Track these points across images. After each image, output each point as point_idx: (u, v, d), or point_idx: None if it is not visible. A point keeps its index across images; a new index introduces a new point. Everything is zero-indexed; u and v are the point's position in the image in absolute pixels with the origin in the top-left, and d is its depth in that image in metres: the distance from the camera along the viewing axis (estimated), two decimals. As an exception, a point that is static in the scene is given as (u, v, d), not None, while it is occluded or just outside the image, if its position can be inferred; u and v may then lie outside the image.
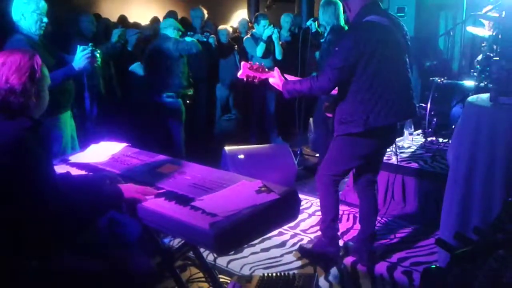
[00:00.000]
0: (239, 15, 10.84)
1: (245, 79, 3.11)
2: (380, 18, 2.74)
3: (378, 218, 3.80)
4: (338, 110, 2.83)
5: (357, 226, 3.74)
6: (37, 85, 1.85)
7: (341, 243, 3.28)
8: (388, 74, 2.71)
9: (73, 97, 3.45)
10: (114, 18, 7.68)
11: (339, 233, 3.23)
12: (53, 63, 3.10)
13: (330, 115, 3.06)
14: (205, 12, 5.96)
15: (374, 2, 2.82)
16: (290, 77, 3.08)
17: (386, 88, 2.70)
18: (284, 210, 1.95)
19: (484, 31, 4.70)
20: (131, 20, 7.92)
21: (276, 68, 3.06)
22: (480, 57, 4.84)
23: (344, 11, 3.39)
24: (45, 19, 3.21)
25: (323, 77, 2.72)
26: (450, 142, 4.22)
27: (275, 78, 2.99)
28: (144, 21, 7.78)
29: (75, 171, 2.33)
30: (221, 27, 6.92)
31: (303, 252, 3.29)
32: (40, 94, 1.87)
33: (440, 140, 4.58)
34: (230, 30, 7.40)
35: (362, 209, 3.16)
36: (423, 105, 4.70)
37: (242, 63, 3.17)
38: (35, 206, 1.69)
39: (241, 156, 4.34)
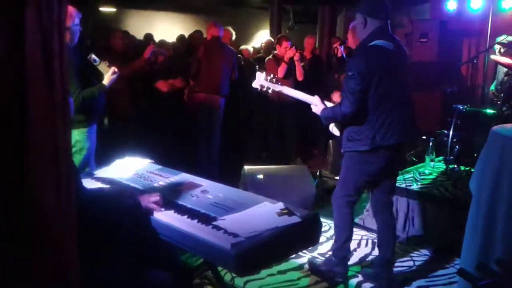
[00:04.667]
0: (262, 36, 10.98)
1: (259, 88, 3.22)
2: (386, 43, 2.86)
3: (398, 244, 3.77)
4: (348, 128, 2.96)
5: (376, 251, 3.70)
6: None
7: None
8: (394, 96, 2.84)
9: (100, 113, 3.53)
10: (139, 35, 7.83)
11: (350, 256, 3.26)
12: (84, 71, 3.28)
13: (337, 133, 3.12)
14: (233, 32, 6.08)
15: (383, 28, 2.92)
16: (330, 104, 3.13)
17: (392, 110, 2.83)
18: (305, 233, 1.95)
19: (505, 59, 4.68)
20: (156, 38, 8.06)
21: (316, 96, 3.13)
22: (494, 88, 4.82)
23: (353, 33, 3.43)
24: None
25: (345, 102, 2.84)
26: (472, 170, 4.17)
27: (317, 106, 3.09)
28: (170, 38, 7.92)
29: (100, 186, 2.37)
30: (242, 47, 7.02)
31: (311, 266, 3.34)
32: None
33: (462, 167, 4.53)
34: (251, 50, 7.50)
35: (380, 232, 3.17)
36: (445, 131, 4.66)
37: (257, 73, 3.26)
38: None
39: (260, 176, 4.34)
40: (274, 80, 3.21)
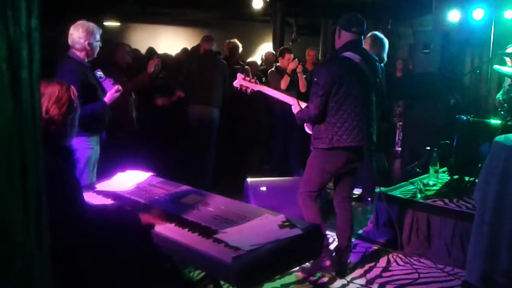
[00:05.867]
0: (265, 49, 11.02)
1: (238, 88, 3.65)
2: (353, 55, 3.15)
3: (402, 257, 3.79)
4: (314, 127, 3.29)
5: (381, 263, 3.67)
6: (73, 115, 1.91)
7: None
8: (352, 104, 3.10)
9: (104, 124, 3.55)
10: (143, 49, 7.87)
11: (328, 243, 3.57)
12: (97, 87, 3.40)
13: (310, 132, 3.42)
14: (240, 45, 6.21)
15: (355, 41, 3.20)
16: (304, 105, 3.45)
17: (350, 116, 3.10)
18: (307, 246, 1.93)
19: (510, 70, 4.67)
20: (160, 51, 8.10)
21: (293, 98, 3.55)
22: (500, 97, 4.80)
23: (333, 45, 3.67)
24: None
25: (311, 105, 3.18)
26: (476, 180, 4.14)
27: (293, 107, 3.46)
28: (174, 52, 7.96)
29: (101, 199, 2.37)
30: (249, 60, 7.06)
31: (302, 271, 3.43)
32: (73, 123, 1.93)
33: (466, 178, 4.49)
34: (259, 63, 7.55)
35: (338, 223, 3.43)
36: (449, 142, 4.64)
37: (238, 74, 3.69)
38: (69, 237, 1.71)
39: (263, 189, 4.33)
40: (252, 80, 3.62)
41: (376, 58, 3.51)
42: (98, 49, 3.49)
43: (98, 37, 3.43)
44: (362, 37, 3.25)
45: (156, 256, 2.34)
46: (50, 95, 1.86)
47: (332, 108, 3.11)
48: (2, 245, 0.75)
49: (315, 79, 3.20)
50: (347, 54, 3.16)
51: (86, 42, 3.35)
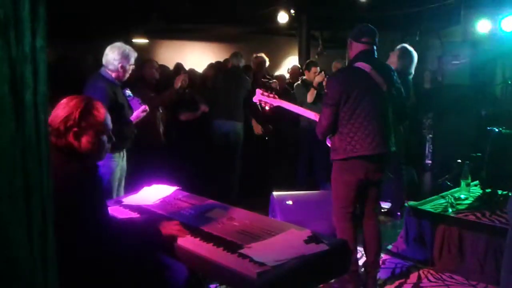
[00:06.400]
0: (291, 62, 11.04)
1: (258, 103, 3.65)
2: (364, 65, 3.12)
3: (433, 273, 3.69)
4: (331, 139, 3.28)
5: (411, 280, 3.58)
6: (101, 133, 1.93)
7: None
8: (363, 113, 3.06)
9: (130, 141, 3.59)
10: (170, 65, 7.99)
11: (361, 269, 3.38)
12: (124, 105, 3.47)
13: (330, 145, 3.36)
14: (267, 59, 6.29)
15: (366, 51, 3.18)
16: None
17: (362, 125, 3.06)
18: (334, 262, 1.90)
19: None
20: (186, 67, 8.21)
21: (315, 113, 3.49)
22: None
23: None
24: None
25: (321, 116, 3.19)
26: (510, 194, 4.00)
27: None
28: (201, 67, 8.05)
29: (127, 213, 2.39)
30: (277, 74, 7.10)
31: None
32: (102, 140, 1.95)
33: (499, 191, 4.35)
34: (287, 77, 7.58)
35: (365, 238, 3.36)
36: (480, 154, 4.52)
37: (257, 89, 3.64)
38: (89, 248, 1.73)
39: (289, 202, 4.29)
40: (271, 95, 3.59)
41: (391, 67, 3.48)
42: (130, 72, 3.54)
43: (132, 61, 3.49)
44: (375, 47, 3.23)
45: (181, 271, 2.34)
46: (75, 111, 1.89)
47: (343, 118, 3.10)
48: (4, 267, 0.74)
49: (326, 90, 3.24)
50: (358, 64, 3.15)
51: (120, 65, 3.42)
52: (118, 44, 3.47)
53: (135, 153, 3.86)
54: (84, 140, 1.89)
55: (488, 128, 4.70)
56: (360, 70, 3.13)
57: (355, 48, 3.23)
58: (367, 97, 3.07)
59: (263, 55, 6.31)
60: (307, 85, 5.85)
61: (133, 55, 3.50)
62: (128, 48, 3.48)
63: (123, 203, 2.59)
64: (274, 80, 6.11)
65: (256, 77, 6.07)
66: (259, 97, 3.59)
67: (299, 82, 6.11)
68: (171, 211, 2.40)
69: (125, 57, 3.43)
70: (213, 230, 2.12)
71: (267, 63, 6.41)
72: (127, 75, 3.53)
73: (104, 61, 3.46)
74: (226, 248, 1.91)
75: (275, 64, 11.42)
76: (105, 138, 1.98)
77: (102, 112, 1.97)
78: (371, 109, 3.08)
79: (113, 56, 3.41)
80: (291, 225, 2.14)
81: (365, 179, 3.16)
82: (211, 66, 7.01)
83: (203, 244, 1.98)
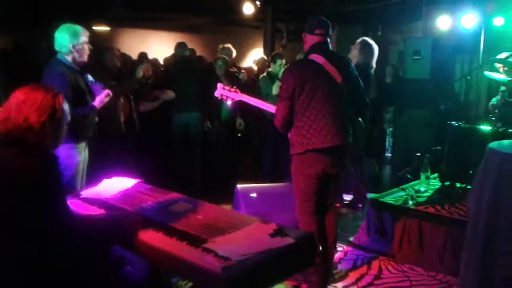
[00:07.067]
0: (256, 54, 10.99)
1: (219, 97, 3.61)
2: (318, 57, 3.10)
3: (394, 264, 3.76)
4: (289, 134, 3.24)
5: (372, 271, 3.63)
6: (56, 124, 1.84)
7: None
8: (317, 106, 3.04)
9: (92, 130, 3.49)
10: (134, 54, 7.80)
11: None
12: (86, 91, 3.36)
13: None
14: (234, 50, 6.31)
15: (321, 43, 3.17)
16: None
17: (316, 117, 3.04)
18: (300, 255, 1.88)
19: (501, 76, 4.67)
20: (150, 57, 8.04)
21: (274, 106, 3.34)
22: (495, 102, 4.79)
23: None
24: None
25: (276, 109, 3.18)
26: (468, 187, 4.11)
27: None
28: (164, 57, 7.90)
29: (86, 207, 2.29)
30: (246, 66, 7.08)
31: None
32: (57, 131, 1.86)
33: (458, 184, 4.47)
34: (256, 68, 7.56)
35: (322, 230, 3.27)
36: (440, 148, 4.62)
37: (218, 84, 3.63)
38: (49, 242, 1.65)
39: (254, 195, 4.26)
40: (233, 90, 3.56)
41: (348, 58, 3.48)
42: (86, 51, 3.41)
43: (83, 39, 3.36)
44: (328, 39, 3.21)
45: (142, 265, 2.27)
46: (32, 102, 1.79)
47: (298, 111, 3.08)
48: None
49: (280, 84, 3.22)
50: (312, 56, 3.13)
51: (71, 45, 3.29)
52: (65, 25, 3.35)
53: (96, 142, 3.74)
54: (45, 132, 1.79)
55: (448, 122, 4.82)
56: (313, 63, 3.10)
57: (310, 40, 3.20)
58: (320, 90, 3.05)
59: (230, 45, 6.29)
60: (272, 77, 5.82)
61: (84, 34, 3.36)
62: (75, 26, 3.36)
63: (81, 196, 2.48)
64: (243, 71, 6.09)
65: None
66: (221, 91, 3.57)
67: (264, 74, 6.08)
68: (132, 205, 2.32)
69: (74, 35, 3.30)
70: (176, 224, 2.06)
71: (234, 54, 6.39)
72: (85, 57, 3.39)
73: (56, 46, 3.33)
74: (190, 243, 1.86)
75: (240, 55, 11.34)
76: (61, 129, 1.89)
77: (63, 105, 1.88)
78: (325, 102, 3.05)
79: (61, 38, 3.29)
80: (256, 218, 2.11)
81: (323, 173, 3.13)
82: (173, 56, 6.90)
83: (166, 239, 1.92)
